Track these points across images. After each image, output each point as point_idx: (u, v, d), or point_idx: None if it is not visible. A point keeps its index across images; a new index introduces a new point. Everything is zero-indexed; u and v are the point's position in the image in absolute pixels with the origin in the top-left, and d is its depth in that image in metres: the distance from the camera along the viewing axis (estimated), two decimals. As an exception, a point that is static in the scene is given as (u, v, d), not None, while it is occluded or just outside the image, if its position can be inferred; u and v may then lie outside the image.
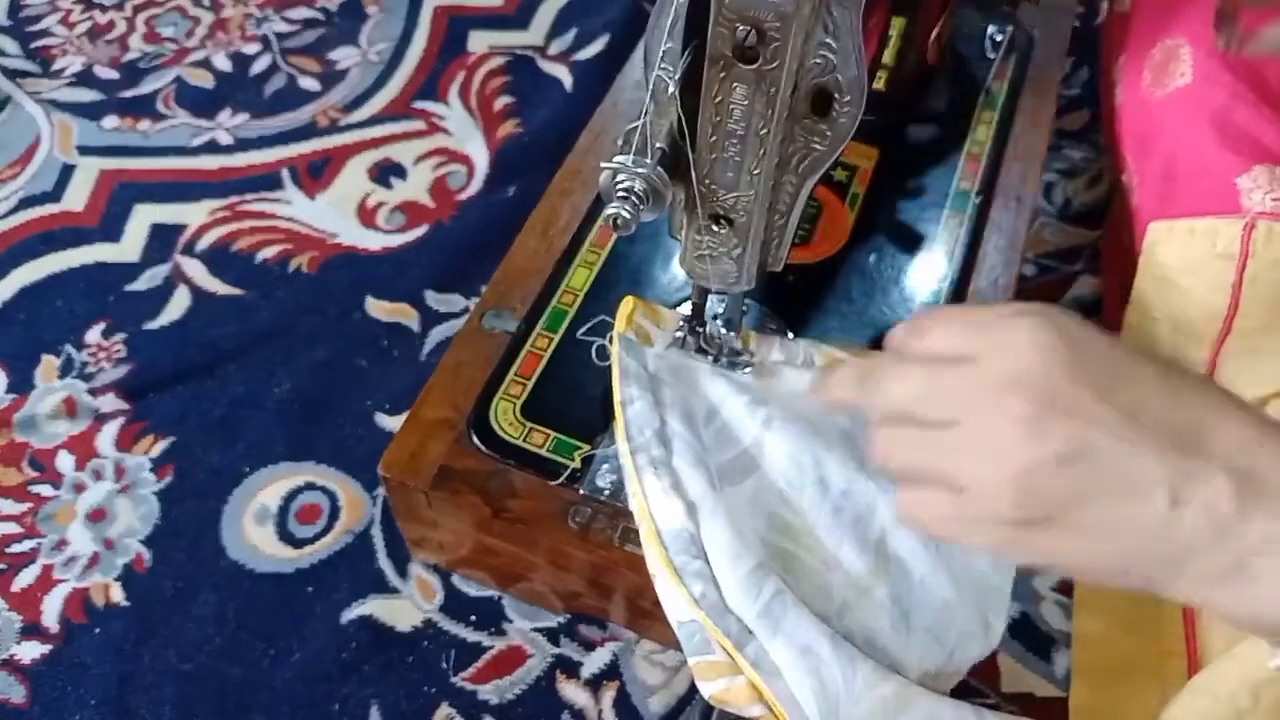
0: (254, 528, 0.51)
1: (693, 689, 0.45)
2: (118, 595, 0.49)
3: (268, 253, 0.62)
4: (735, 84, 0.31)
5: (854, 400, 0.33)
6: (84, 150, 0.68)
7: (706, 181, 0.34)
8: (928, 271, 0.49)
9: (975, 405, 0.29)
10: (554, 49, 0.74)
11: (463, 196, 0.65)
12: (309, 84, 0.72)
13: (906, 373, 0.31)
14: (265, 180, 0.66)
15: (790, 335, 0.46)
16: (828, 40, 0.30)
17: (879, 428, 0.32)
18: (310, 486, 0.52)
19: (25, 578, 0.49)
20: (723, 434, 0.39)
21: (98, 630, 0.48)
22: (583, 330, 0.46)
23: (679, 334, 0.43)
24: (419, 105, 0.70)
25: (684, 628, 0.34)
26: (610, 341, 0.42)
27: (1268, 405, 0.44)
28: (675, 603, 0.34)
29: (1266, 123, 0.47)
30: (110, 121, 0.70)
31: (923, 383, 0.31)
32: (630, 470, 0.37)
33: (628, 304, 0.42)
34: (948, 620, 0.36)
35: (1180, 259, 0.48)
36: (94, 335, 0.58)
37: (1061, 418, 0.28)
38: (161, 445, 0.54)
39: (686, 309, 0.42)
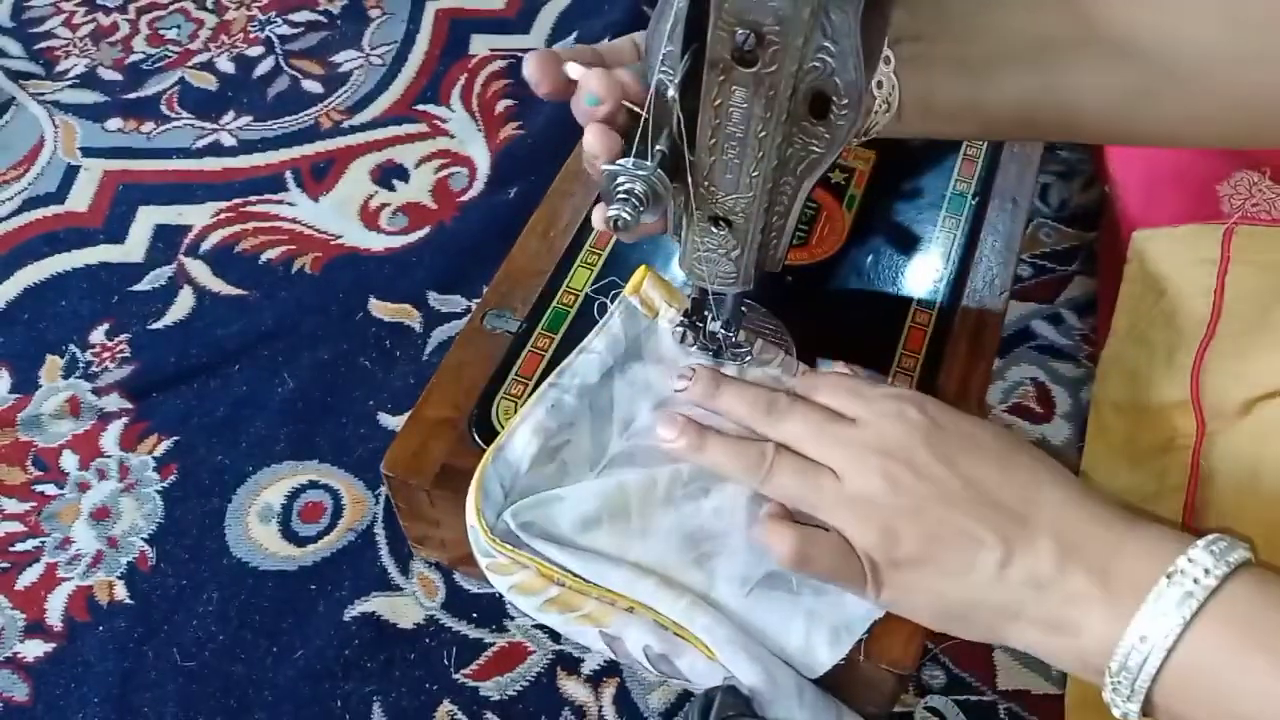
0: (257, 526, 0.51)
1: (692, 686, 0.46)
2: (121, 593, 0.49)
3: (271, 253, 0.62)
4: (734, 87, 0.31)
5: (751, 422, 0.40)
6: (87, 152, 0.68)
7: (706, 183, 0.35)
8: (924, 273, 0.49)
9: (853, 460, 0.36)
10: (555, 52, 0.74)
11: (464, 198, 0.65)
12: (312, 86, 0.72)
13: (804, 414, 0.38)
14: (268, 182, 0.66)
15: (793, 350, 0.46)
16: (826, 44, 0.31)
17: (777, 457, 0.38)
18: (313, 485, 0.53)
19: (29, 576, 0.50)
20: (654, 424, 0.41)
21: (101, 628, 0.48)
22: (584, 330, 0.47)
23: (679, 329, 0.43)
24: (421, 108, 0.71)
25: (471, 529, 0.39)
26: (612, 301, 0.43)
27: (1254, 408, 0.44)
28: (469, 504, 0.39)
29: None
30: (114, 123, 0.70)
31: (813, 426, 0.38)
32: (536, 393, 0.41)
33: (640, 272, 0.44)
34: (733, 629, 0.38)
35: (1163, 265, 0.49)
36: (98, 335, 0.59)
37: (915, 479, 0.35)
38: (165, 444, 0.54)
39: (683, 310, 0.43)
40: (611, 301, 0.46)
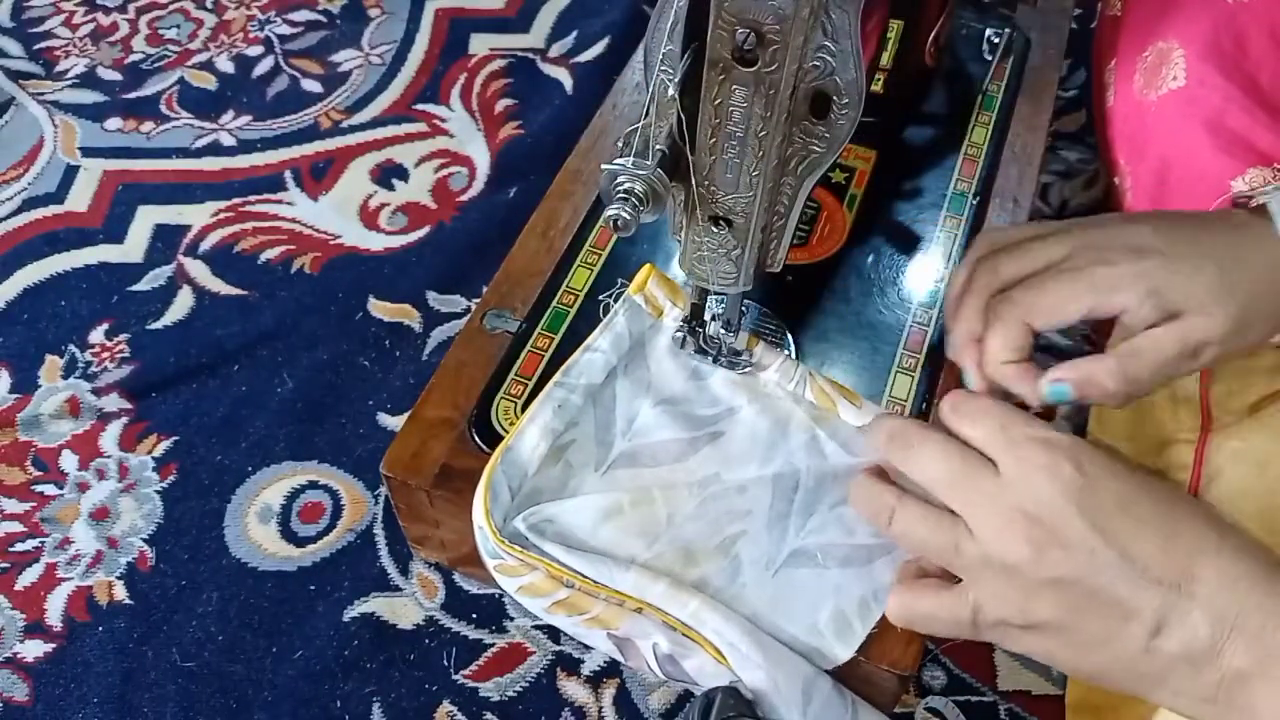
0: (257, 526, 0.51)
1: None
2: (121, 594, 0.49)
3: (270, 253, 0.62)
4: (734, 86, 0.31)
5: (882, 456, 0.37)
6: (87, 152, 0.68)
7: (706, 183, 0.35)
8: (925, 273, 0.49)
9: (992, 520, 0.33)
10: (554, 51, 0.74)
11: (464, 198, 0.65)
12: (311, 86, 0.72)
13: (938, 455, 0.35)
14: (268, 181, 0.66)
15: (792, 350, 0.46)
16: (826, 43, 0.31)
17: (900, 504, 0.35)
18: (313, 485, 0.52)
19: (29, 576, 0.50)
20: (662, 421, 0.42)
21: (101, 629, 0.48)
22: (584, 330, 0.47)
23: (678, 334, 0.43)
24: (420, 107, 0.70)
25: (479, 530, 0.39)
26: (615, 300, 0.43)
27: (1262, 408, 0.44)
28: (476, 504, 0.39)
29: (1261, 126, 0.48)
30: (113, 123, 0.70)
31: (950, 474, 0.34)
32: (542, 393, 0.41)
33: (644, 271, 0.44)
34: (741, 632, 0.37)
35: None
36: (97, 335, 0.59)
37: (1064, 550, 0.32)
38: (164, 445, 0.54)
39: (686, 310, 0.43)
40: (614, 301, 0.45)
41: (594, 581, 0.37)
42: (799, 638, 0.38)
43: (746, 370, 0.43)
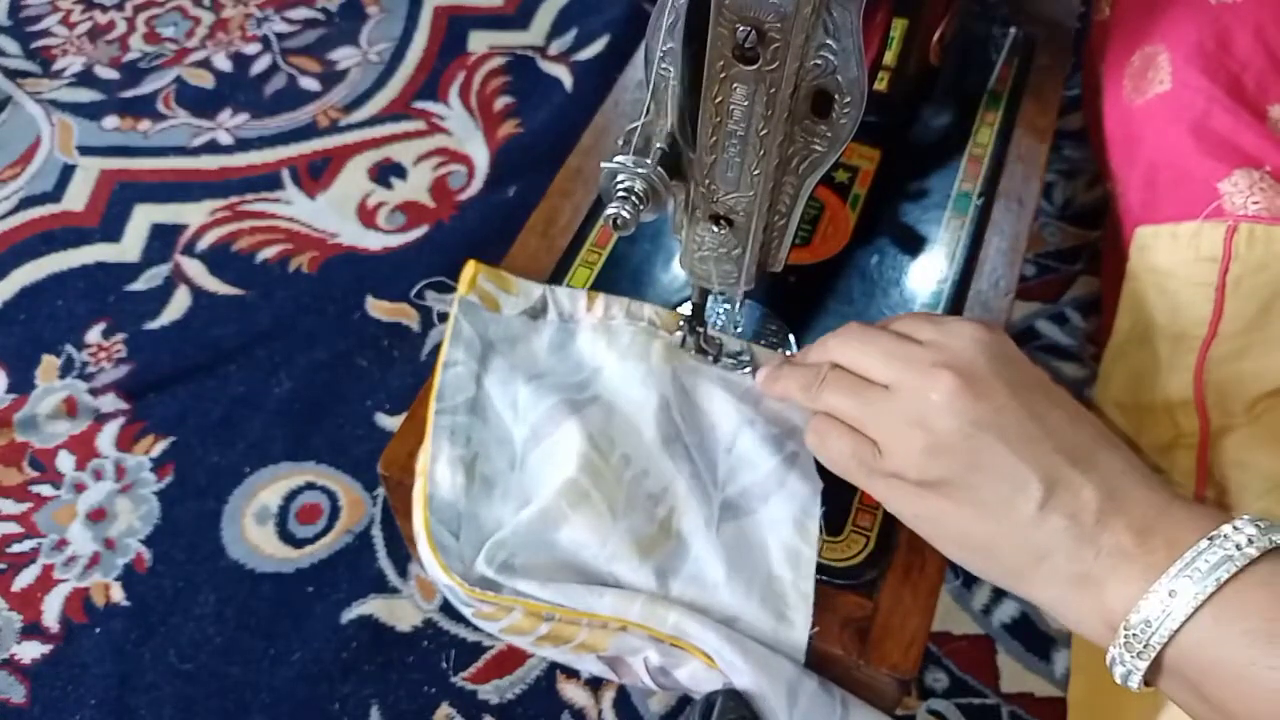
0: (254, 527, 0.51)
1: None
2: (118, 595, 0.49)
3: (268, 253, 0.62)
4: (735, 84, 0.31)
5: (821, 353, 0.38)
6: (84, 150, 0.68)
7: (706, 182, 0.35)
8: (929, 273, 0.49)
9: (913, 376, 0.34)
10: (554, 49, 0.74)
11: (463, 196, 0.65)
12: (309, 84, 0.72)
13: (874, 336, 0.36)
14: (265, 180, 0.66)
15: (793, 345, 0.46)
16: (828, 41, 0.30)
17: (828, 377, 0.37)
18: (310, 486, 0.52)
19: (26, 577, 0.49)
20: (539, 392, 0.41)
21: (98, 630, 0.48)
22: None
23: (679, 333, 0.43)
24: (419, 105, 0.70)
25: (447, 589, 0.38)
26: (451, 304, 0.43)
27: (1257, 407, 0.44)
28: (430, 564, 0.38)
29: (1245, 127, 0.47)
30: (110, 121, 0.70)
31: (881, 348, 0.35)
32: (429, 429, 0.40)
33: (470, 268, 0.44)
34: (715, 600, 0.38)
35: (1165, 263, 0.48)
36: (94, 335, 0.58)
37: (977, 399, 0.33)
38: (162, 445, 0.54)
39: (687, 309, 0.43)
40: (447, 305, 0.45)
41: (572, 609, 0.37)
42: (767, 603, 0.37)
43: (746, 370, 0.42)
